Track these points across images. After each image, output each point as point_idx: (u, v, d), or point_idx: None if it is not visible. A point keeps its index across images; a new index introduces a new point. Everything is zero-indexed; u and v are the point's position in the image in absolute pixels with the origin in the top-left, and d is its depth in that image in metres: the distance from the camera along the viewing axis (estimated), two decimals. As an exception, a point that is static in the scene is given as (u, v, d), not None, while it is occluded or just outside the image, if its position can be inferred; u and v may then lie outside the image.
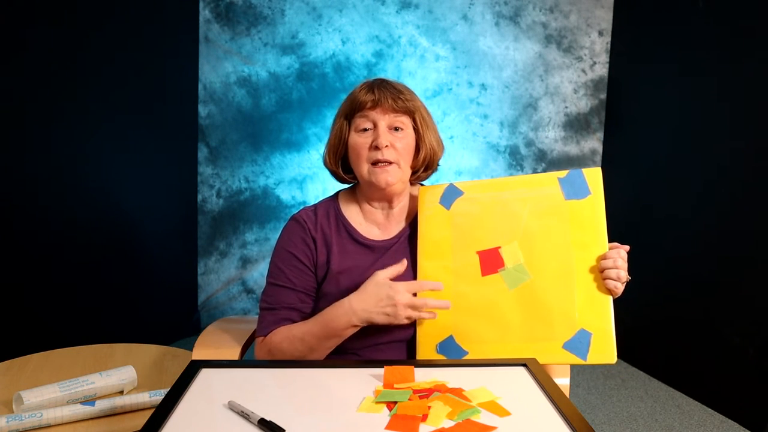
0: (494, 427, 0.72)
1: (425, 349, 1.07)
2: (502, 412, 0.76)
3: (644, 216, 2.73)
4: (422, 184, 1.22)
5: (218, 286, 3.11)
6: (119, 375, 1.24)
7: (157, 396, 1.19)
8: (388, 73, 3.02)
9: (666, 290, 2.60)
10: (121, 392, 1.25)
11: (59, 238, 2.23)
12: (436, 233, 1.12)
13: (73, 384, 1.19)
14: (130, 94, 2.49)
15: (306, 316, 1.10)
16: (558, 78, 3.09)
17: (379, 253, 1.13)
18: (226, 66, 2.98)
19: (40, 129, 2.14)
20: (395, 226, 1.17)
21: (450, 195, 1.14)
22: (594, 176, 1.07)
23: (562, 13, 3.05)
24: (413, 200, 1.19)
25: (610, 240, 1.05)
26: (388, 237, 1.15)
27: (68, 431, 1.10)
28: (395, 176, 1.09)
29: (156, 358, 1.44)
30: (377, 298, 0.97)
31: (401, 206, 1.17)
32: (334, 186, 1.25)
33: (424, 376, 0.85)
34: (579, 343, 1.00)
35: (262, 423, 0.70)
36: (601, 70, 3.10)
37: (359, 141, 1.09)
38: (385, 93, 1.08)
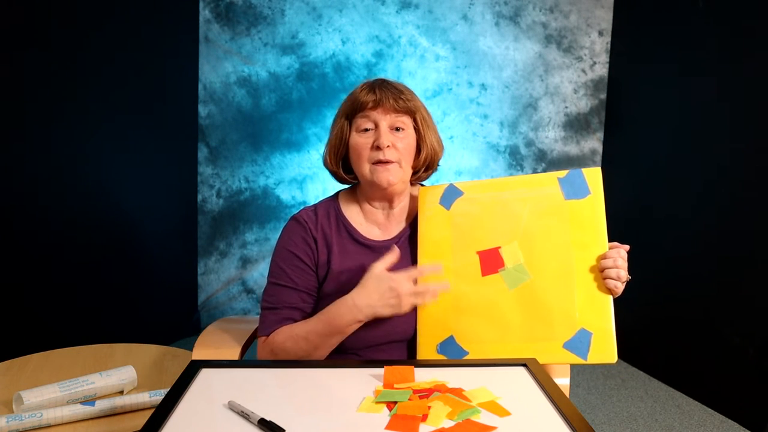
0: (494, 427, 0.72)
1: (426, 349, 1.07)
2: (502, 412, 0.76)
3: (644, 216, 2.73)
4: (422, 185, 1.22)
5: (218, 286, 3.11)
6: (119, 375, 1.24)
7: (157, 396, 1.19)
8: (388, 73, 3.02)
9: (666, 290, 2.60)
10: (121, 392, 1.25)
11: (59, 238, 2.23)
12: (437, 233, 1.12)
13: (73, 384, 1.19)
14: (130, 94, 2.49)
15: (308, 316, 1.10)
16: (558, 78, 3.09)
17: (379, 253, 1.13)
18: (226, 66, 2.98)
19: (40, 129, 2.14)
20: (395, 226, 1.17)
21: (450, 195, 1.14)
22: (594, 176, 1.07)
23: (562, 13, 3.05)
24: (413, 200, 1.19)
25: (610, 240, 1.05)
26: (389, 237, 1.15)
27: (68, 431, 1.10)
28: (396, 176, 1.09)
29: (156, 358, 1.44)
30: (379, 292, 0.97)
31: (402, 206, 1.17)
32: (334, 186, 1.25)
33: (424, 376, 0.85)
34: (579, 342, 1.00)
35: (262, 423, 0.70)
36: (601, 70, 3.10)
37: (360, 141, 1.09)
38: (386, 93, 1.08)
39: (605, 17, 3.06)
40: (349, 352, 1.09)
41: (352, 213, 1.17)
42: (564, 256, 1.04)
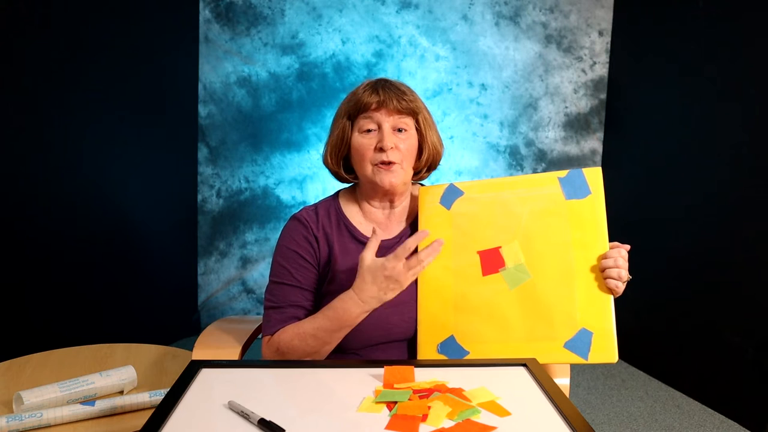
0: (494, 427, 0.71)
1: (426, 349, 1.07)
2: (502, 412, 0.76)
3: (644, 216, 2.73)
4: (422, 184, 1.22)
5: (218, 286, 3.11)
6: (119, 375, 1.24)
7: (157, 396, 1.18)
8: (388, 73, 3.02)
9: (666, 290, 2.60)
10: (121, 392, 1.25)
11: (59, 238, 2.23)
12: (437, 233, 1.12)
13: (73, 384, 1.19)
14: (130, 94, 2.49)
15: (311, 314, 1.11)
16: (558, 78, 3.09)
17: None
18: (226, 66, 2.98)
19: (40, 129, 2.14)
20: (396, 225, 1.17)
21: (450, 195, 1.14)
22: (594, 176, 1.07)
23: (562, 13, 3.05)
24: (414, 200, 1.19)
25: (611, 239, 1.05)
26: (389, 237, 1.15)
27: (68, 431, 1.10)
28: (399, 177, 1.09)
29: (156, 358, 1.44)
30: (377, 284, 0.96)
31: (402, 206, 1.18)
32: (334, 186, 1.25)
33: (424, 376, 0.85)
34: (580, 342, 1.00)
35: (262, 423, 0.70)
36: (601, 70, 3.10)
37: (363, 142, 1.09)
38: (390, 94, 1.08)
39: (605, 17, 3.06)
40: (350, 352, 1.09)
41: (353, 212, 1.17)
42: (565, 255, 1.04)
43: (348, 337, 1.03)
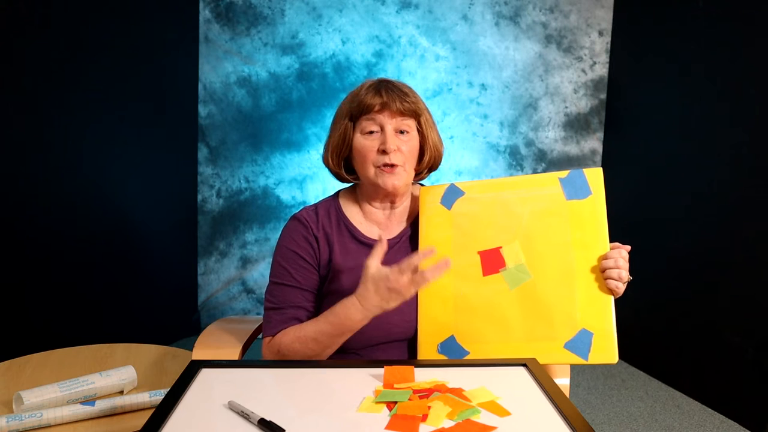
0: (494, 427, 0.71)
1: (426, 349, 1.07)
2: (502, 412, 0.76)
3: (644, 216, 2.73)
4: (422, 184, 1.22)
5: (218, 286, 3.11)
6: (119, 375, 1.24)
7: (157, 396, 1.18)
8: (388, 73, 3.02)
9: (666, 290, 2.60)
10: (121, 392, 1.24)
11: (59, 238, 2.23)
12: (437, 233, 1.12)
13: (73, 384, 1.19)
14: (130, 94, 2.49)
15: (312, 315, 1.11)
16: (558, 78, 3.09)
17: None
18: (226, 66, 2.98)
19: (40, 129, 2.14)
20: (396, 226, 1.17)
21: (451, 195, 1.14)
22: (595, 176, 1.07)
23: (562, 13, 3.05)
24: (414, 200, 1.19)
25: (611, 240, 1.04)
26: (390, 237, 1.15)
27: (68, 431, 1.10)
28: (402, 179, 1.09)
29: (156, 358, 1.44)
30: (380, 294, 0.96)
31: (403, 206, 1.18)
32: (334, 186, 1.25)
33: (424, 376, 0.85)
34: (580, 342, 1.00)
35: (262, 423, 0.70)
36: (601, 70, 3.10)
37: (366, 144, 1.09)
38: (393, 96, 1.07)
39: (605, 17, 3.06)
40: (350, 352, 1.09)
41: (353, 212, 1.17)
42: (565, 256, 1.04)
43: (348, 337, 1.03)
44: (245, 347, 1.23)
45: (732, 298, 2.26)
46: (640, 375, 2.65)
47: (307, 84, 3.01)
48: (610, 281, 1.00)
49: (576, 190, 1.07)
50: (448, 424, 0.72)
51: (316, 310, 1.12)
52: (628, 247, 1.04)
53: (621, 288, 1.01)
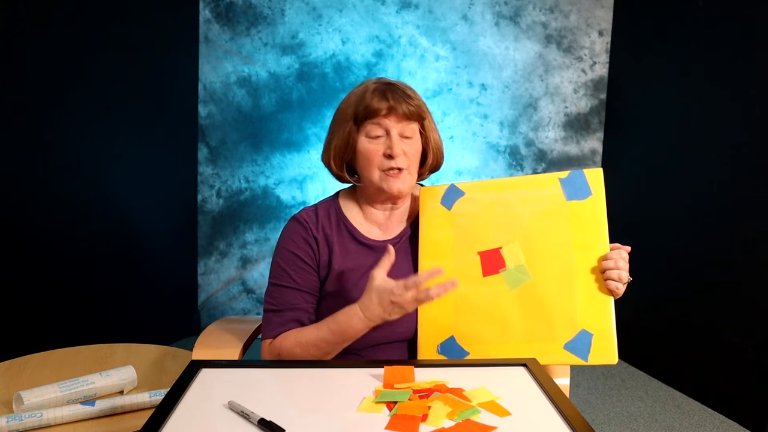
0: (494, 427, 0.72)
1: (426, 349, 1.07)
2: (502, 412, 0.76)
3: (644, 216, 2.73)
4: (422, 185, 1.22)
5: (218, 286, 3.11)
6: (119, 375, 1.24)
7: (157, 396, 1.18)
8: (388, 73, 3.02)
9: (666, 290, 2.60)
10: (121, 392, 1.24)
11: (59, 238, 2.23)
12: (438, 234, 1.12)
13: (73, 384, 1.19)
14: (129, 94, 2.49)
15: (311, 316, 1.11)
16: (558, 78, 3.09)
17: (380, 253, 1.12)
18: (226, 66, 2.98)
19: (40, 129, 2.14)
20: (396, 226, 1.17)
21: (451, 195, 1.14)
22: (595, 177, 1.07)
23: (562, 13, 3.05)
24: (414, 201, 1.19)
25: (611, 240, 1.04)
26: (389, 237, 1.15)
27: (68, 431, 1.10)
28: (407, 183, 1.09)
29: (156, 358, 1.44)
30: (383, 306, 0.97)
31: (403, 207, 1.18)
32: (334, 186, 1.25)
33: (424, 376, 0.85)
34: (580, 343, 1.00)
35: (262, 423, 0.70)
36: (601, 70, 3.10)
37: (371, 148, 1.08)
38: (399, 100, 1.07)
39: (605, 17, 3.06)
40: (350, 352, 1.09)
41: (353, 213, 1.17)
42: (565, 256, 1.04)
43: None
44: (245, 347, 1.23)
45: (732, 298, 2.26)
46: (640, 375, 2.65)
47: (307, 84, 3.01)
48: (610, 282, 1.00)
49: (576, 191, 1.07)
50: (448, 424, 0.72)
51: (316, 311, 1.12)
52: (628, 248, 1.04)
53: (621, 289, 1.01)
